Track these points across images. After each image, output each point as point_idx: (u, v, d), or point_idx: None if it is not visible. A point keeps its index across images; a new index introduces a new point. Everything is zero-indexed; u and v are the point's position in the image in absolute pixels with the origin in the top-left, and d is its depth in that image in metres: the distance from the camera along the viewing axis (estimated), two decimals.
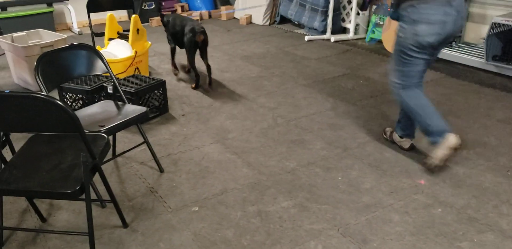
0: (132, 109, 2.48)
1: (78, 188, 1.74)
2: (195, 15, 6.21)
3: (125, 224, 2.06)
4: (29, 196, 2.01)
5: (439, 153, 2.33)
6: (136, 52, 3.64)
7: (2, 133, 2.05)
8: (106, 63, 2.54)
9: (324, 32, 5.15)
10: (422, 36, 2.21)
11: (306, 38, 5.11)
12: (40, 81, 2.25)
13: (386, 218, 2.11)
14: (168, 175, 2.49)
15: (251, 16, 6.10)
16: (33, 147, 2.00)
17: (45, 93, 2.02)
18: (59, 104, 1.66)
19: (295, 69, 4.19)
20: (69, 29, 6.10)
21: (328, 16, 5.06)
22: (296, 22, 5.67)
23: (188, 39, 3.65)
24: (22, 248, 1.94)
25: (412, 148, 2.66)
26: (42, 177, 1.80)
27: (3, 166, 1.91)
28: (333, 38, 5.05)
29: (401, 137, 2.66)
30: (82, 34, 5.79)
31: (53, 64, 2.39)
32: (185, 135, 2.97)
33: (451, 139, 2.29)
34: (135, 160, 2.66)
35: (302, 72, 4.12)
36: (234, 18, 6.39)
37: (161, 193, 2.33)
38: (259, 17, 5.98)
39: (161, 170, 2.54)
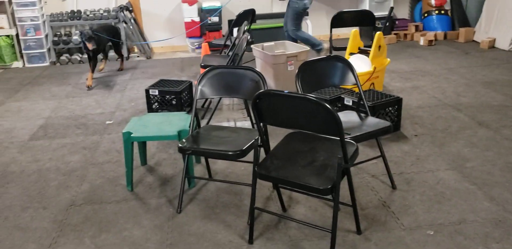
0: (376, 122, 2.52)
1: (329, 186, 1.85)
2: (429, 35, 5.99)
3: (359, 231, 2.10)
4: (283, 185, 2.21)
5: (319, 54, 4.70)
6: (375, 68, 3.71)
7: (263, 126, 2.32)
8: (356, 77, 2.64)
9: None
10: (306, 4, 4.74)
11: None
12: (299, 87, 2.49)
13: None
14: (401, 193, 2.44)
15: (494, 39, 5.58)
16: (290, 143, 2.22)
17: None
18: (328, 108, 1.80)
19: None
20: None
21: None
22: None
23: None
24: (267, 230, 2.16)
25: None
26: (298, 170, 1.98)
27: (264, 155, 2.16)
28: None
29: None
30: None
31: (311, 73, 2.61)
32: (417, 156, 2.87)
33: (324, 45, 4.76)
34: (367, 171, 2.70)
35: None
36: (473, 41, 5.94)
37: (394, 209, 2.30)
38: (506, 41, 5.42)
39: (393, 187, 2.50)
